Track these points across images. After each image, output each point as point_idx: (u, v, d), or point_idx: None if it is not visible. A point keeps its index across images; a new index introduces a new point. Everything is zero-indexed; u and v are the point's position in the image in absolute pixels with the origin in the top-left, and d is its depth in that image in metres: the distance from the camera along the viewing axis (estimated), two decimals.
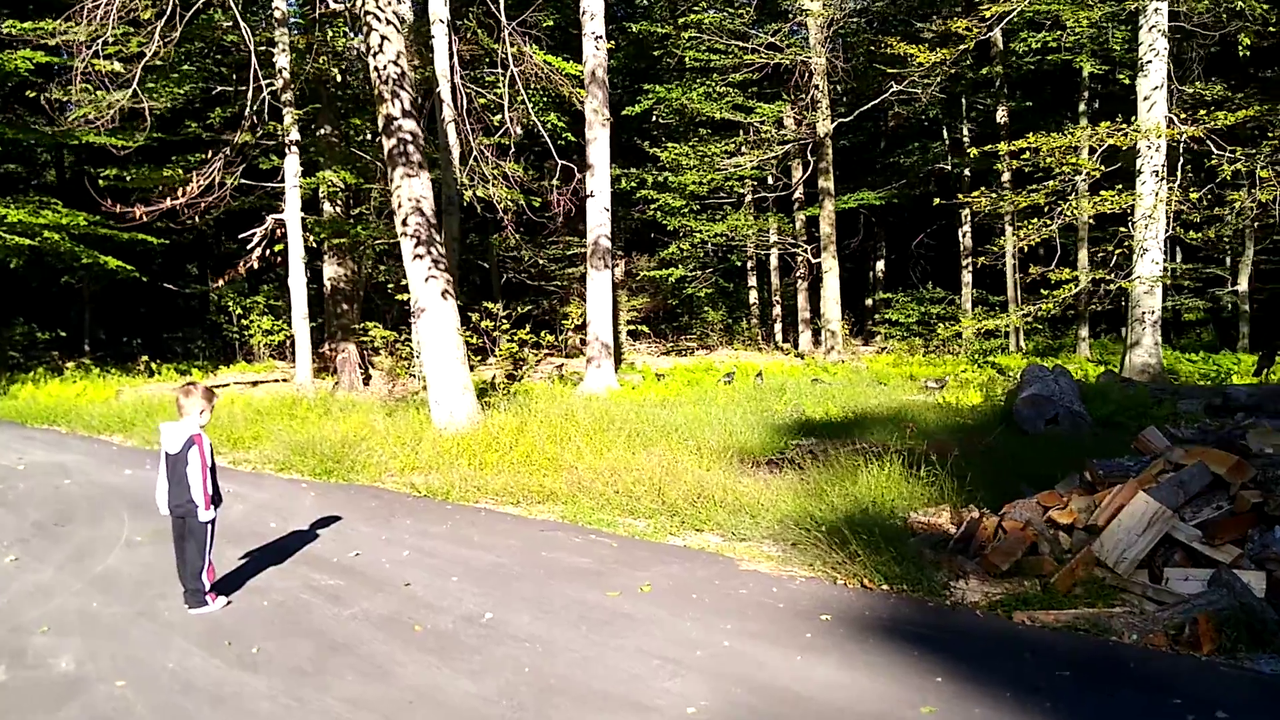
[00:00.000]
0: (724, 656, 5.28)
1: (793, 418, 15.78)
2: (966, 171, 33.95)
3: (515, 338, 18.97)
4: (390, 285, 24.38)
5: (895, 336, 33.26)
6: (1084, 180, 18.30)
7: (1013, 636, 5.58)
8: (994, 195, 19.15)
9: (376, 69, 12.83)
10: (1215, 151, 17.37)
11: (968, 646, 5.40)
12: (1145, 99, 18.27)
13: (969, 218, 33.92)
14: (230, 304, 29.39)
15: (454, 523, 8.82)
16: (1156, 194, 17.96)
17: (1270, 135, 16.83)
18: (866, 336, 37.47)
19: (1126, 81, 26.80)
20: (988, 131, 33.25)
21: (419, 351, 17.87)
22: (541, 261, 33.06)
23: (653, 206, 30.16)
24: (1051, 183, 18.84)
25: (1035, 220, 18.97)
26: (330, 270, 28.03)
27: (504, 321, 18.09)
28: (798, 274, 36.68)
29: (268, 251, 20.64)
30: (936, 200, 21.72)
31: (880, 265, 41.36)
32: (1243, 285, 30.91)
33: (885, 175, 35.59)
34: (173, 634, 5.86)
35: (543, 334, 23.36)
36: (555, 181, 18.25)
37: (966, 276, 34.27)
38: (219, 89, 21.25)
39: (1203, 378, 21.96)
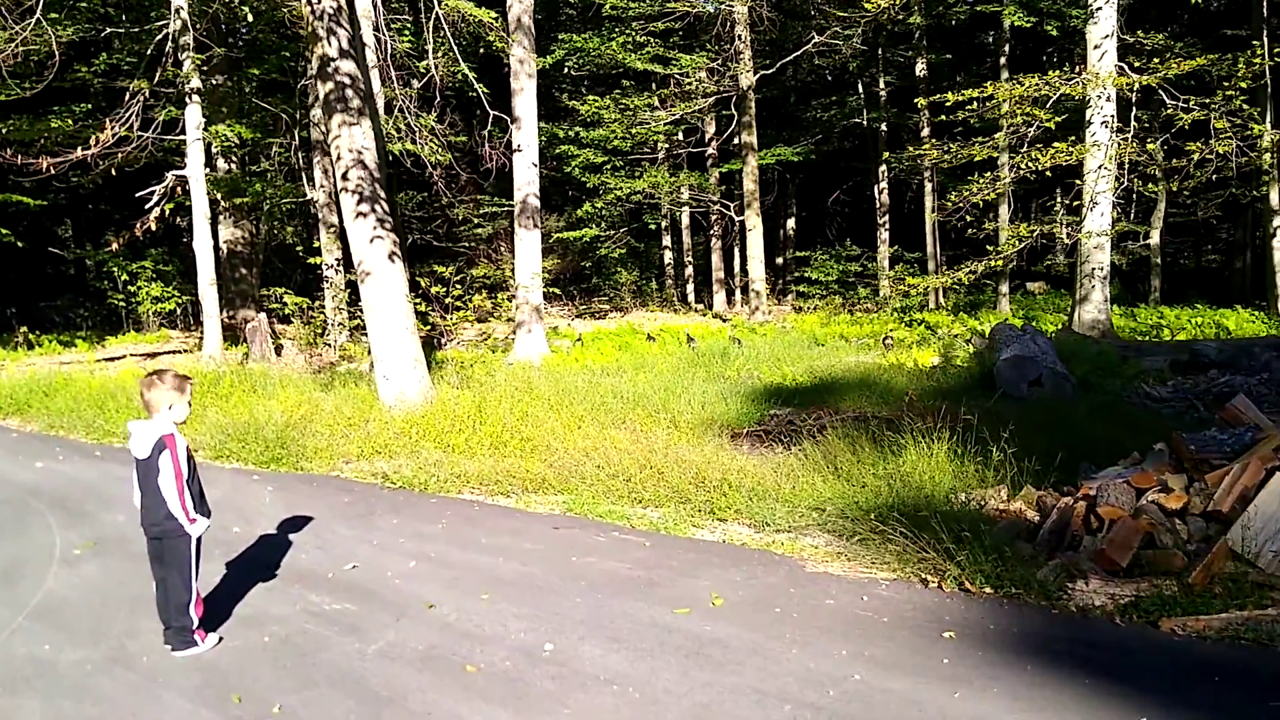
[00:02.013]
0: (865, 696, 4.33)
1: (751, 384, 14.96)
2: (883, 126, 33.51)
3: (467, 304, 17.60)
4: (299, 248, 22.71)
5: (815, 295, 32.74)
6: (1035, 131, 17.77)
7: (1180, 653, 4.77)
8: (946, 146, 18.48)
9: (310, 2, 11.39)
10: (1169, 101, 16.99)
11: (1140, 670, 4.56)
12: (1096, 47, 17.77)
13: (885, 174, 33.52)
14: (115, 269, 27.14)
15: (448, 521, 7.69)
16: (1107, 146, 17.54)
17: (1225, 85, 16.51)
18: (780, 295, 36.92)
19: (1054, 33, 26.55)
20: (906, 85, 32.80)
21: (365, 321, 16.45)
22: (451, 220, 31.51)
23: (574, 162, 28.84)
24: (999, 135, 18.28)
25: (984, 175, 18.40)
26: (226, 232, 26.15)
27: (456, 286, 16.72)
28: (712, 233, 35.87)
29: (166, 211, 18.79)
30: (886, 154, 21.00)
31: (791, 223, 40.82)
32: (1154, 239, 31.21)
33: (801, 131, 34.90)
34: (160, 688, 4.65)
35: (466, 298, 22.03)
36: (486, 132, 16.86)
37: (883, 234, 33.92)
38: (108, 31, 19.22)
39: (1142, 334, 21.89)
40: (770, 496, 7.86)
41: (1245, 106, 16.51)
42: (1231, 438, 6.69)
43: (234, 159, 24.88)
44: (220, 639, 5.18)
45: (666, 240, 37.46)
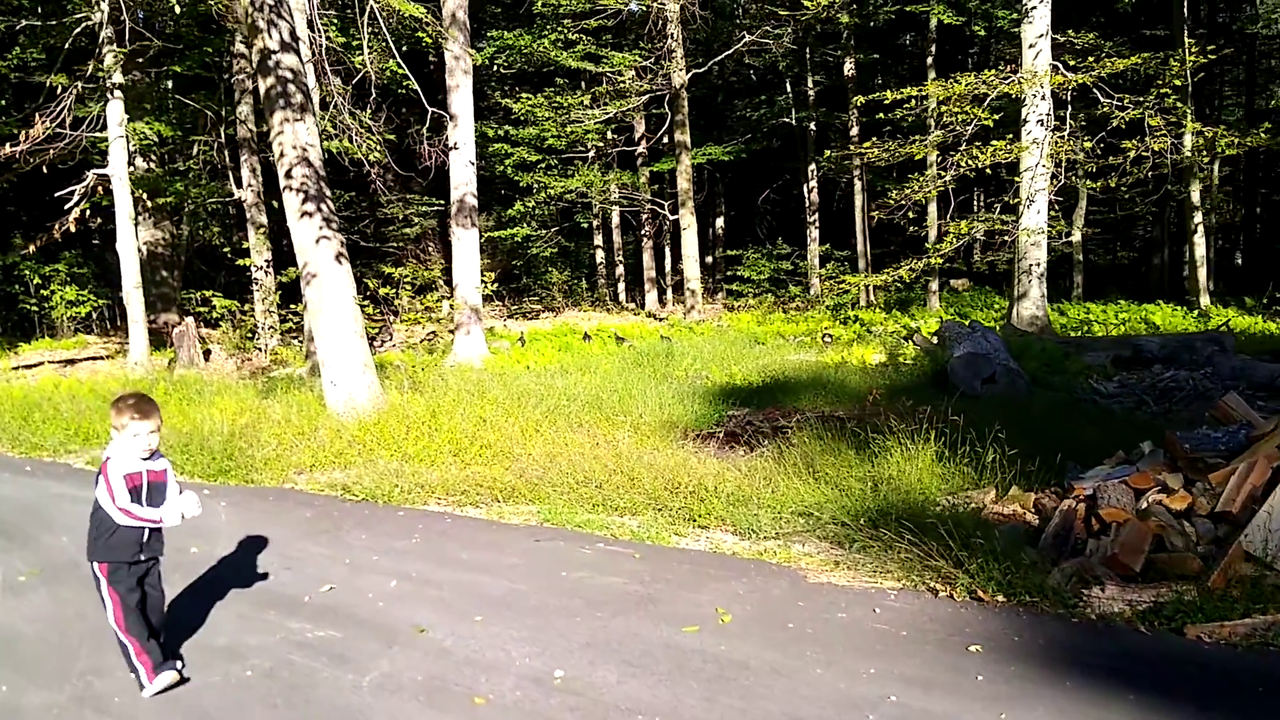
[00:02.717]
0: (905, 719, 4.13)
1: (702, 384, 14.77)
2: (812, 125, 33.61)
3: (417, 306, 17.05)
4: (226, 249, 21.92)
5: (748, 294, 32.69)
6: (972, 129, 17.85)
7: (1214, 662, 4.63)
8: (889, 145, 18.49)
9: None
10: (1103, 99, 17.20)
11: (1181, 682, 4.42)
12: (1030, 46, 17.92)
13: (815, 173, 33.63)
14: (27, 273, 25.96)
15: (422, 535, 7.33)
16: (1043, 144, 17.70)
17: (1158, 83, 16.76)
18: (711, 294, 36.84)
19: (981, 33, 26.84)
20: (835, 84, 32.97)
21: (309, 325, 15.87)
22: (379, 220, 30.80)
23: (507, 161, 28.37)
24: (937, 133, 18.35)
25: (923, 173, 18.46)
26: (146, 234, 25.20)
27: (406, 287, 16.20)
28: (643, 232, 35.67)
29: (85, 212, 17.96)
30: (828, 153, 21.06)
31: (720, 222, 40.80)
32: (1076, 236, 31.75)
33: (730, 130, 34.87)
34: None
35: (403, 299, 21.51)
36: (424, 130, 16.40)
37: (813, 232, 34.03)
38: (23, 23, 18.26)
39: (1073, 330, 22.21)
40: (750, 502, 7.65)
41: (1179, 105, 16.79)
42: (1226, 435, 6.63)
43: (153, 158, 23.96)
44: (179, 674, 4.69)
45: (598, 239, 37.15)
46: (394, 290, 16.65)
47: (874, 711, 4.19)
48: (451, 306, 18.96)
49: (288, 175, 11.11)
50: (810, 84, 33.33)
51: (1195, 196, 26.19)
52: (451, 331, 21.45)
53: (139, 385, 13.75)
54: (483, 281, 17.06)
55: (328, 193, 11.36)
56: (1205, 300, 26.46)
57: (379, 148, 15.80)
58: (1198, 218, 26.46)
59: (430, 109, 16.16)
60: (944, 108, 17.33)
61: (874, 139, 18.98)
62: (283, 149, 11.11)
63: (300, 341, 22.44)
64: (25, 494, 9.24)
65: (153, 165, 23.83)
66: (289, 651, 5.08)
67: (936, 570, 5.77)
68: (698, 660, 4.80)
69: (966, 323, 15.76)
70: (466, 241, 19.90)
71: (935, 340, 16.22)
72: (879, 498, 7.21)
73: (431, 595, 5.88)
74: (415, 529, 7.50)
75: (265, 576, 6.35)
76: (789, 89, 35.00)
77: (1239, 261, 39.88)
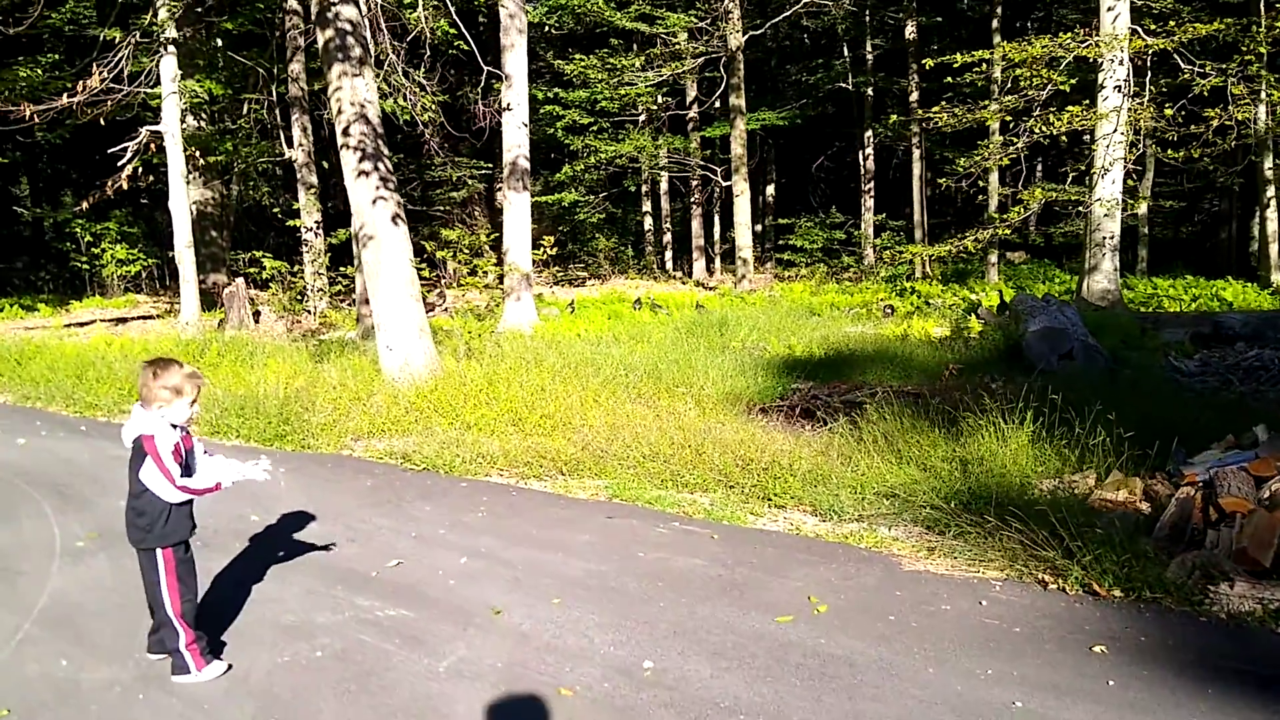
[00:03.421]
0: None
1: (759, 356, 14.35)
2: (869, 91, 32.85)
3: (477, 270, 16.64)
4: (276, 210, 21.71)
5: (800, 263, 32.13)
6: (1045, 94, 17.19)
7: None
8: (958, 110, 17.87)
9: None
10: (1184, 65, 16.48)
11: None
12: (1109, 9, 17.19)
13: (870, 140, 32.92)
14: (78, 230, 25.94)
15: (487, 508, 7.02)
16: (1120, 110, 17.02)
17: (1242, 50, 16.02)
18: (759, 263, 36.29)
19: None
20: (894, 48, 32.17)
21: (363, 288, 15.61)
22: (426, 183, 30.54)
23: (558, 124, 27.93)
24: (1010, 98, 17.71)
25: (991, 140, 17.84)
26: (196, 193, 25.04)
27: (462, 251, 15.88)
28: (692, 199, 35.16)
29: (137, 170, 17.77)
30: (893, 117, 20.46)
31: (770, 190, 40.15)
32: (1142, 208, 30.86)
33: (784, 96, 34.17)
34: (207, 717, 3.98)
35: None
36: (480, 90, 16.01)
37: (868, 201, 33.36)
38: None
39: (1141, 305, 21.52)
40: (829, 481, 7.28)
41: (1264, 73, 16.05)
42: None
43: (203, 116, 23.74)
44: (229, 667, 4.39)
45: (646, 206, 36.64)
46: (451, 253, 16.24)
47: (998, 719, 3.82)
48: (501, 273, 18.57)
49: (345, 132, 10.79)
50: (869, 47, 32.49)
51: (1267, 169, 25.28)
52: (499, 298, 21.16)
53: (191, 345, 13.58)
54: (539, 246, 16.62)
55: (385, 151, 11.03)
56: (1277, 277, 25.60)
57: (433, 108, 15.41)
58: (1270, 191, 25.54)
59: (485, 68, 15.75)
60: (1019, 71, 16.66)
61: (941, 104, 18.32)
62: (340, 105, 10.78)
63: (350, 305, 22.28)
64: (82, 455, 9.03)
65: (203, 123, 23.61)
66: (360, 631, 4.78)
67: (1045, 560, 5.36)
68: (797, 654, 4.45)
69: (1041, 295, 15.20)
70: (518, 206, 19.54)
71: (1005, 314, 15.68)
72: (970, 480, 6.81)
73: (504, 574, 5.56)
74: (480, 502, 7.19)
75: (330, 548, 6.06)
76: (846, 53, 34.20)
77: None
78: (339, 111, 10.81)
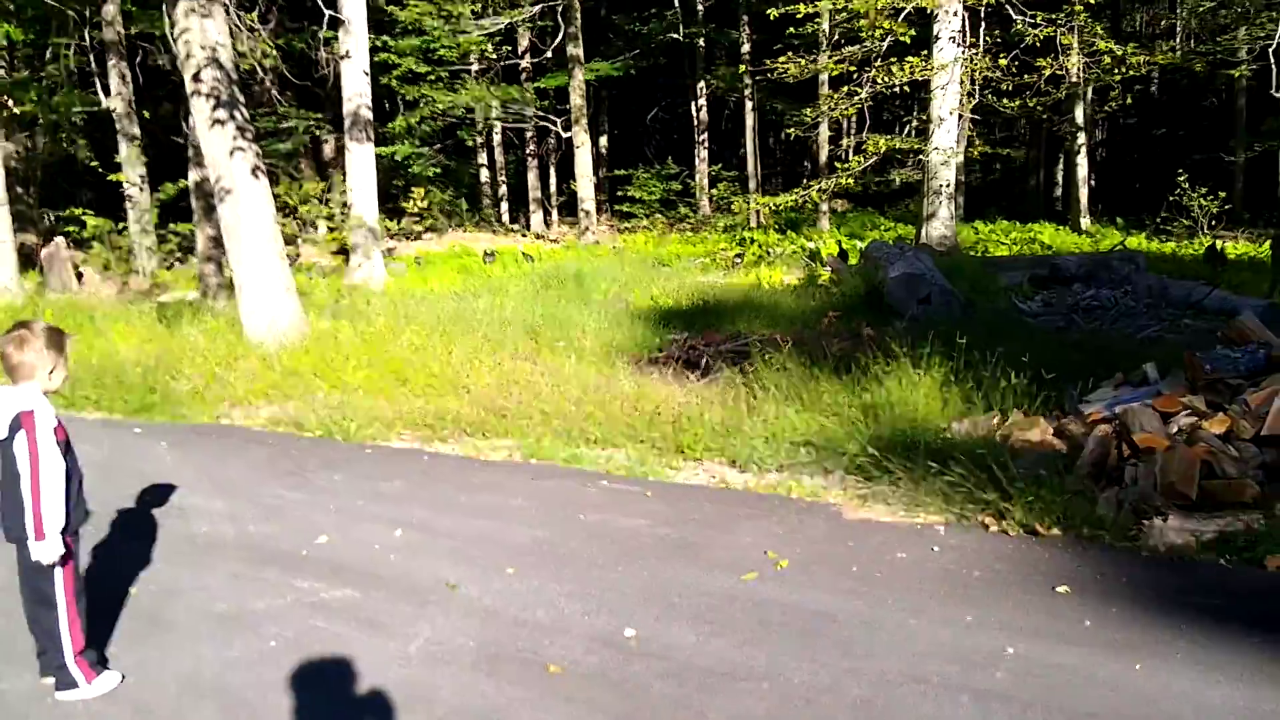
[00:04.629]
0: (1043, 676, 3.73)
1: (629, 308, 14.26)
2: (700, 42, 32.94)
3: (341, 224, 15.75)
4: (95, 164, 20.19)
5: (639, 214, 32.10)
6: (884, 45, 17.56)
7: None
8: (800, 60, 18.05)
9: None
10: (1015, 16, 17.11)
11: None
12: None
13: (704, 91, 33.07)
14: None
15: (401, 476, 6.70)
16: (955, 61, 17.55)
17: (1070, 2, 16.72)
18: (597, 215, 36.08)
19: None
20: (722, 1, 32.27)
21: (205, 245, 14.66)
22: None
23: (394, 73, 26.87)
24: (851, 49, 18.03)
25: (834, 92, 18.17)
26: None
27: (328, 203, 15.06)
28: (528, 151, 34.64)
29: None
30: (742, 67, 20.48)
31: (604, 141, 39.89)
32: (959, 157, 32.09)
33: (617, 45, 33.88)
34: None
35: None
36: (321, 36, 15.21)
37: (702, 152, 33.57)
38: None
39: (967, 248, 22.37)
40: (739, 432, 7.26)
41: (1090, 22, 16.80)
42: (1245, 356, 6.53)
43: (2, 64, 21.82)
44: (122, 678, 3.92)
45: (482, 158, 35.85)
46: (307, 207, 15.48)
47: (998, 667, 3.84)
48: (333, 226, 17.84)
49: (195, 78, 10.05)
50: None
51: (1079, 117, 26.67)
52: (339, 253, 20.39)
53: (18, 312, 12.51)
54: (410, 199, 16.02)
55: (241, 99, 10.35)
56: (1086, 220, 27.13)
57: (273, 53, 14.56)
58: (1081, 138, 26.98)
59: (327, 12, 14.97)
60: (862, 22, 16.96)
61: (782, 55, 18.48)
62: (189, 49, 10.03)
63: (183, 264, 21.05)
64: None
65: (2, 71, 21.71)
66: (308, 616, 4.47)
67: (983, 503, 5.48)
68: (776, 613, 4.39)
69: (891, 241, 15.61)
70: (361, 157, 18.80)
71: (847, 261, 16.05)
72: (883, 425, 6.91)
73: (445, 545, 5.31)
74: (392, 469, 6.87)
75: (244, 527, 5.67)
76: (677, 4, 34.12)
77: (1092, 183, 41.13)
78: (188, 56, 10.05)
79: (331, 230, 22.92)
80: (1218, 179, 23.46)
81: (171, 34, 10.69)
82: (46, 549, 3.62)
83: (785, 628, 4.25)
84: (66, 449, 3.76)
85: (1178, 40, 28.08)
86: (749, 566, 4.92)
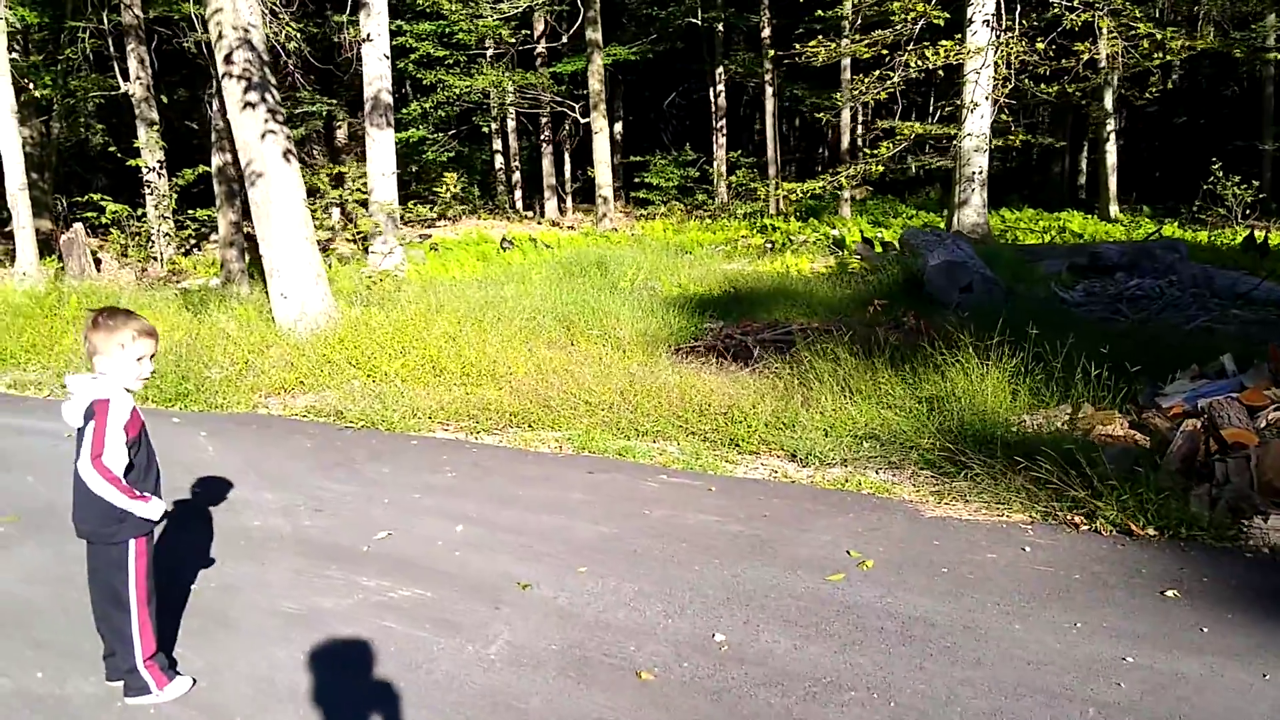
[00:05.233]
0: (1168, 688, 3.48)
1: (658, 296, 14.01)
2: (719, 27, 32.59)
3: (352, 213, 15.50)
4: (114, 149, 19.92)
5: (656, 201, 31.80)
6: (915, 28, 17.23)
7: None
8: (828, 44, 17.75)
9: None
10: (1052, 0, 16.78)
11: None
12: None
13: (722, 76, 32.74)
14: None
15: (453, 468, 6.46)
16: (988, 45, 17.25)
17: None
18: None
19: None
20: None
21: (228, 231, 14.44)
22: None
23: (411, 56, 26.58)
24: (880, 33, 17.71)
25: (864, 76, 17.86)
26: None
27: (356, 188, 14.79)
28: (543, 137, 34.35)
29: None
30: (770, 52, 20.10)
31: (618, 127, 39.58)
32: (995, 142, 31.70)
33: (633, 30, 33.56)
34: None
35: None
36: (345, 19, 14.93)
37: (720, 138, 33.24)
38: None
39: (997, 236, 22.08)
40: (796, 424, 7.03)
41: (1128, 5, 16.46)
42: None
43: (15, 47, 21.57)
44: (193, 682, 3.70)
45: (496, 144, 35.56)
46: (334, 191, 15.21)
47: (1120, 678, 3.59)
48: (352, 213, 17.57)
49: (227, 60, 9.80)
50: None
51: (1109, 103, 26.30)
52: (354, 240, 20.11)
53: (42, 299, 12.29)
54: (443, 184, 15.77)
55: (273, 80, 10.11)
56: (1114, 208, 26.78)
57: (298, 35, 14.31)
58: (1110, 125, 26.63)
59: None
60: (895, 4, 16.62)
61: (819, 38, 18.15)
62: (221, 29, 9.78)
63: (202, 250, 20.83)
64: None
65: (17, 56, 21.45)
66: (379, 617, 4.24)
67: (1071, 500, 5.23)
68: (871, 617, 4.15)
69: (926, 229, 15.33)
70: (382, 143, 18.49)
71: (872, 250, 15.77)
72: (949, 418, 6.66)
73: (509, 541, 5.08)
74: (441, 460, 6.63)
75: (299, 521, 5.44)
76: None
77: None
78: (219, 37, 9.80)
79: (348, 216, 22.70)
80: (1246, 168, 23.14)
81: (196, 15, 10.46)
82: (149, 508, 3.48)
83: (883, 633, 4.01)
84: (139, 444, 3.53)
85: (1198, 28, 27.72)
86: (833, 566, 4.69)
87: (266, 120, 9.88)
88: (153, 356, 3.59)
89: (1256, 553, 4.72)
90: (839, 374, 7.66)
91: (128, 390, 3.52)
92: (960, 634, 3.99)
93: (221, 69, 9.90)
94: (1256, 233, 17.91)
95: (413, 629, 4.12)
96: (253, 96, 9.81)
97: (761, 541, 5.03)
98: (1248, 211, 21.53)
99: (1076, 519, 5.15)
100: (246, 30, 9.78)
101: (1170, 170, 32.76)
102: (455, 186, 16.76)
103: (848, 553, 4.84)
